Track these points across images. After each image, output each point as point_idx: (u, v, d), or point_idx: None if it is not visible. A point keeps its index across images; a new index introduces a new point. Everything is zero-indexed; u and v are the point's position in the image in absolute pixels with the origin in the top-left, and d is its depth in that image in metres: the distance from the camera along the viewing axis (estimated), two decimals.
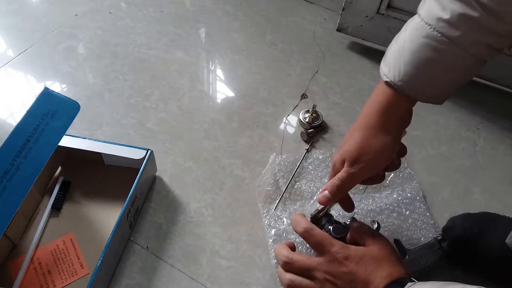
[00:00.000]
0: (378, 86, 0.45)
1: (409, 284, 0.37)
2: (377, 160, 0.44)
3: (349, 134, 0.47)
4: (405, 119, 0.46)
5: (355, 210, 0.58)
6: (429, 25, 0.39)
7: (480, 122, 0.74)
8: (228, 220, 0.58)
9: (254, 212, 0.59)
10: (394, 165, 0.48)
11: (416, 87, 0.41)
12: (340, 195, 0.46)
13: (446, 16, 0.37)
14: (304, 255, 0.45)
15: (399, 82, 0.41)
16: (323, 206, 0.48)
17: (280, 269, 0.46)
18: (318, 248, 0.44)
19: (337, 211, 0.57)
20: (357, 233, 0.46)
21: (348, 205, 0.50)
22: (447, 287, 0.34)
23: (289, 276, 0.44)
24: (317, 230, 0.45)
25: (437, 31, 0.38)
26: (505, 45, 0.40)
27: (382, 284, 0.39)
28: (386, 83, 0.43)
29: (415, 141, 0.70)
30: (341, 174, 0.45)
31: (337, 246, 0.43)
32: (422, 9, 0.40)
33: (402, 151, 0.48)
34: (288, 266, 0.44)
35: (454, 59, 0.39)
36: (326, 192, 0.46)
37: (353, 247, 0.43)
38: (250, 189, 0.61)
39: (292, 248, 0.47)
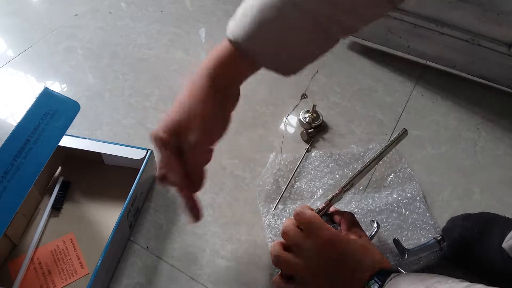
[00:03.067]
0: (219, 46, 0.41)
1: (393, 274, 0.38)
2: (208, 129, 0.41)
3: (175, 103, 0.42)
4: (233, 87, 0.43)
5: (355, 210, 0.58)
6: None
7: (480, 122, 0.74)
8: (228, 220, 0.58)
9: (254, 212, 0.59)
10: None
11: (258, 49, 0.39)
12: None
13: None
14: (302, 233, 0.45)
15: (240, 38, 0.38)
16: (323, 205, 0.48)
17: (273, 246, 0.47)
18: (309, 229, 0.44)
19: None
20: (348, 222, 0.47)
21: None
22: (430, 280, 0.35)
23: (277, 253, 0.45)
24: (308, 212, 0.45)
25: None
26: (352, 26, 0.39)
27: (369, 271, 0.40)
28: (230, 41, 0.40)
29: (415, 141, 0.70)
30: (188, 157, 0.41)
31: (327, 230, 0.43)
32: None
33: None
34: (284, 236, 0.46)
35: (296, 22, 0.38)
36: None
37: (344, 234, 0.44)
38: (250, 189, 0.61)
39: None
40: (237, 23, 0.39)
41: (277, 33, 0.38)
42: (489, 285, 0.31)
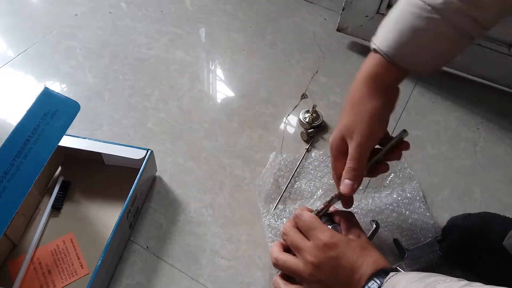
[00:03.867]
0: (366, 59, 0.47)
1: (391, 273, 0.38)
2: (373, 125, 0.45)
3: (342, 113, 0.48)
4: (393, 89, 0.47)
5: (355, 210, 0.58)
6: None
7: (480, 122, 0.74)
8: (228, 220, 0.58)
9: (254, 212, 0.59)
10: (395, 156, 0.49)
11: (402, 54, 0.43)
12: (361, 175, 0.46)
13: None
14: (302, 234, 0.46)
15: (385, 48, 0.43)
16: (323, 206, 0.48)
17: (272, 247, 0.47)
18: (307, 231, 0.44)
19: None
20: (348, 222, 0.47)
21: (349, 201, 0.50)
22: (429, 278, 0.35)
23: (276, 254, 0.46)
24: (306, 214, 0.46)
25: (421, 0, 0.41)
26: (490, 22, 0.42)
27: (368, 272, 0.40)
28: (374, 50, 0.45)
29: (415, 141, 0.70)
30: (350, 154, 0.45)
31: (325, 232, 0.43)
32: None
33: (404, 144, 0.48)
34: (283, 237, 0.47)
35: (437, 27, 0.41)
36: (346, 180, 0.46)
37: (341, 234, 0.44)
38: (250, 189, 0.61)
39: None
40: (379, 34, 0.45)
41: (418, 40, 0.43)
42: (488, 285, 0.31)
